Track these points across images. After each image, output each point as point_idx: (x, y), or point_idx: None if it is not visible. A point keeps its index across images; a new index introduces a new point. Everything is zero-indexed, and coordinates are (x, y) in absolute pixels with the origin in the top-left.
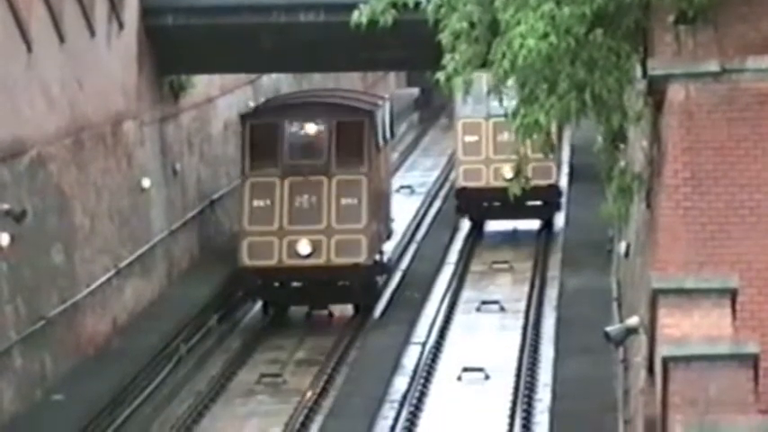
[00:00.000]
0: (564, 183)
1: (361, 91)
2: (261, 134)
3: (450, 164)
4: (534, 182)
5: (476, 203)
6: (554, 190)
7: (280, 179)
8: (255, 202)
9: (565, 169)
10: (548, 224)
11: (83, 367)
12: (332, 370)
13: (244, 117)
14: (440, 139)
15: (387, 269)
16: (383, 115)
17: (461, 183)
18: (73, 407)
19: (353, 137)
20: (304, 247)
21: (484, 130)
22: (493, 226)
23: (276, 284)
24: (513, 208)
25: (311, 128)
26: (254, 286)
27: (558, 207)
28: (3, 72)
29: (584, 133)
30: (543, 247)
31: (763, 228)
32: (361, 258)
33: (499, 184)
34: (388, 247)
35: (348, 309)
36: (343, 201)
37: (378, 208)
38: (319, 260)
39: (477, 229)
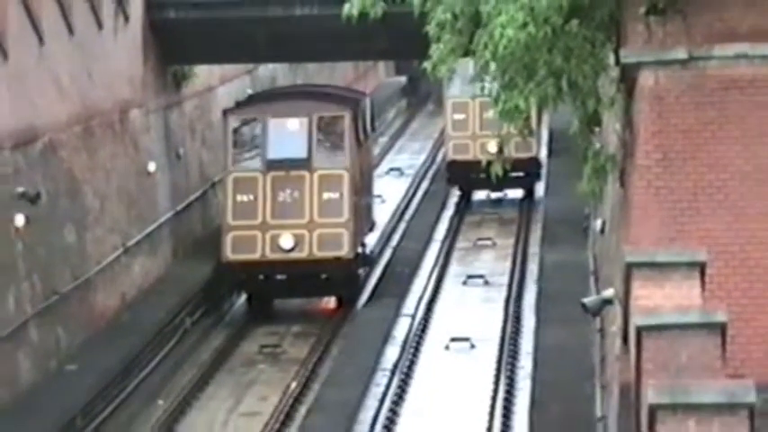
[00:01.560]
0: (543, 156)
1: (342, 86)
2: (243, 129)
3: (437, 147)
4: (517, 155)
5: (464, 175)
6: (534, 162)
7: (262, 174)
8: (239, 197)
9: (544, 147)
10: (529, 193)
11: (94, 339)
12: (327, 341)
13: (226, 112)
14: (426, 124)
15: (369, 261)
16: (364, 110)
17: (451, 156)
18: (85, 376)
19: (335, 132)
20: (287, 240)
21: (471, 108)
22: (479, 195)
23: (260, 278)
24: (498, 179)
25: (293, 123)
26: (238, 280)
27: (538, 177)
28: (16, 64)
29: (560, 116)
30: (524, 224)
31: (728, 205)
32: (343, 252)
33: (485, 157)
34: (371, 240)
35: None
36: (325, 195)
37: (359, 202)
38: (302, 254)
39: (465, 198)
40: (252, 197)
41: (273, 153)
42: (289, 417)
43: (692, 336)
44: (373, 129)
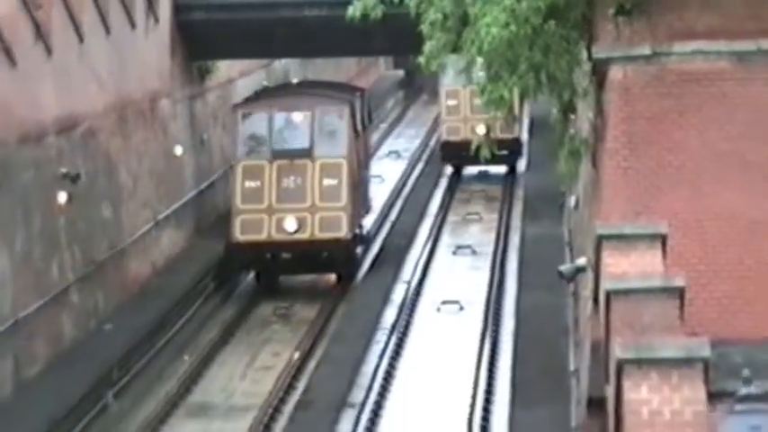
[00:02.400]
0: (525, 137)
1: (341, 83)
2: (252, 122)
3: (430, 133)
4: (502, 136)
5: (456, 153)
6: (517, 142)
7: (269, 162)
8: (247, 184)
9: (525, 130)
10: (512, 169)
11: (128, 302)
12: (333, 305)
13: (236, 107)
14: (421, 113)
15: (366, 241)
16: (361, 105)
17: (444, 137)
18: (120, 335)
19: (334, 124)
20: (291, 223)
21: (462, 95)
22: (468, 173)
23: (266, 257)
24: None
25: (296, 116)
26: (247, 259)
27: (520, 155)
28: (60, 59)
29: (539, 105)
30: (507, 201)
31: (687, 183)
32: (342, 233)
33: (474, 138)
34: (368, 222)
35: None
36: (326, 182)
37: (357, 187)
38: (304, 235)
39: (456, 174)
40: (259, 183)
41: (278, 144)
42: (299, 370)
43: (654, 299)
44: (370, 121)
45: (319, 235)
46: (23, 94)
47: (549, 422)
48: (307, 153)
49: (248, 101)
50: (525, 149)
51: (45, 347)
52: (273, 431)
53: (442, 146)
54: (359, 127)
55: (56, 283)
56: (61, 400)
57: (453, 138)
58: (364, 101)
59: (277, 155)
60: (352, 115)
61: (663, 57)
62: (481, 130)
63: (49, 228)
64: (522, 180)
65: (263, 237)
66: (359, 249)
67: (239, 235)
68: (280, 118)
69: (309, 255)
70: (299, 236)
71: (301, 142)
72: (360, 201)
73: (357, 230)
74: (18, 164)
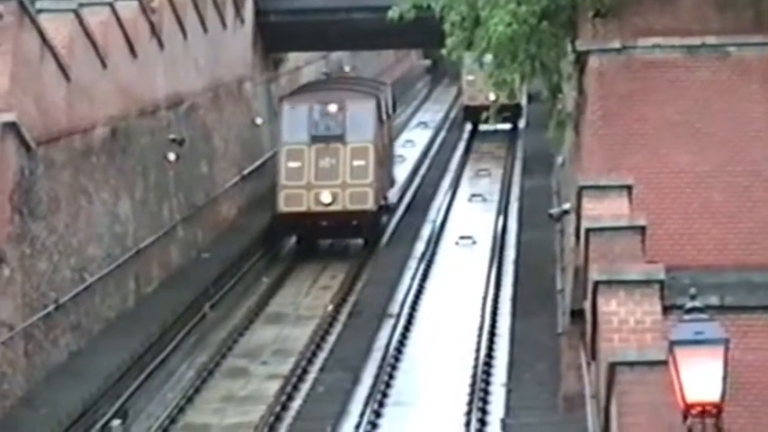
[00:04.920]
0: (524, 103)
1: (370, 78)
2: (294, 112)
3: (450, 108)
4: (507, 102)
5: (474, 114)
6: (518, 106)
7: (308, 146)
8: (290, 164)
9: (524, 98)
10: (515, 126)
11: (220, 237)
12: (375, 239)
13: (281, 99)
14: (443, 93)
15: (389, 210)
16: (386, 97)
17: (466, 103)
18: (215, 261)
19: (362, 114)
20: (326, 197)
21: (479, 73)
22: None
23: (305, 225)
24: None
25: (331, 107)
26: (289, 227)
27: (520, 116)
28: (169, 52)
29: (533, 85)
30: (510, 160)
31: (648, 146)
32: (368, 206)
33: (488, 102)
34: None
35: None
36: (355, 162)
37: (382, 167)
38: (337, 207)
39: (474, 129)
40: (300, 164)
41: (316, 130)
42: (350, 289)
43: (622, 235)
44: (394, 110)
45: (350, 207)
46: (142, 79)
47: (541, 329)
48: (340, 138)
49: (292, 94)
50: (524, 112)
51: (158, 271)
52: (331, 334)
53: (464, 109)
54: (383, 116)
55: (166, 221)
56: (171, 310)
57: (472, 103)
58: (388, 93)
59: (315, 140)
60: (378, 106)
61: (630, 49)
62: (492, 96)
63: (161, 180)
64: (520, 143)
65: (303, 208)
66: (384, 219)
67: (283, 207)
68: (317, 109)
69: (341, 223)
70: (332, 208)
71: (335, 129)
72: (384, 178)
73: (382, 202)
74: (138, 131)
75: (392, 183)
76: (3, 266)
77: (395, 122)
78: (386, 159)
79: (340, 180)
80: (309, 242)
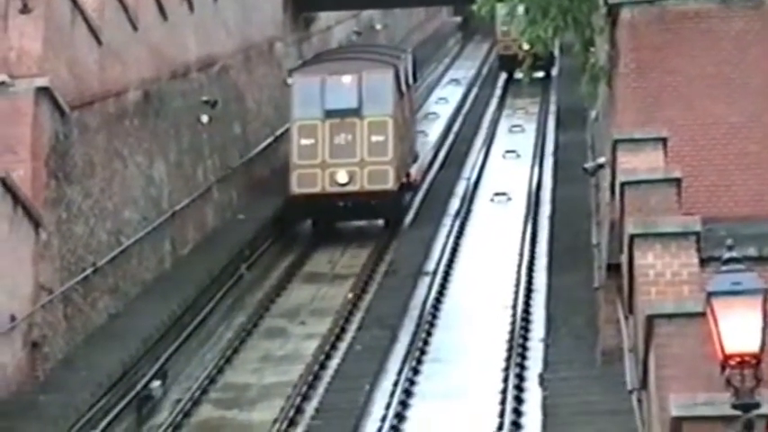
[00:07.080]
0: (557, 53)
1: (388, 45)
2: (306, 85)
3: (482, 65)
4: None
5: (509, 64)
6: (551, 55)
7: (321, 122)
8: (302, 141)
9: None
10: (548, 74)
11: (254, 198)
12: (410, 197)
13: (291, 71)
14: (474, 49)
15: (412, 188)
16: (405, 66)
17: (501, 52)
18: (250, 222)
19: (380, 86)
20: (342, 176)
21: (512, 25)
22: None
23: (320, 207)
24: (532, 64)
25: (346, 79)
26: (303, 209)
27: (553, 64)
28: (199, 14)
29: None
30: (543, 115)
31: (682, 98)
32: (389, 185)
33: (521, 52)
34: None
35: None
36: (373, 138)
37: (402, 142)
38: (355, 187)
39: (509, 78)
40: (313, 141)
41: (330, 104)
42: (386, 248)
43: (657, 187)
44: (415, 80)
45: (368, 187)
46: (173, 41)
47: (577, 284)
48: (356, 112)
49: (303, 65)
50: (557, 61)
51: (194, 232)
52: (368, 293)
53: (499, 58)
54: (403, 87)
55: (201, 183)
56: (207, 271)
57: (506, 53)
58: (409, 61)
59: (329, 114)
60: (396, 76)
61: (662, 1)
62: (526, 46)
63: (195, 142)
64: (554, 98)
65: (317, 189)
66: (406, 198)
67: (296, 188)
68: (331, 81)
69: (359, 204)
70: (349, 188)
71: (350, 102)
72: (406, 154)
73: (404, 180)
74: (170, 94)
75: (415, 158)
76: (40, 231)
77: (425, 83)
78: (407, 134)
79: (357, 158)
80: (326, 225)
